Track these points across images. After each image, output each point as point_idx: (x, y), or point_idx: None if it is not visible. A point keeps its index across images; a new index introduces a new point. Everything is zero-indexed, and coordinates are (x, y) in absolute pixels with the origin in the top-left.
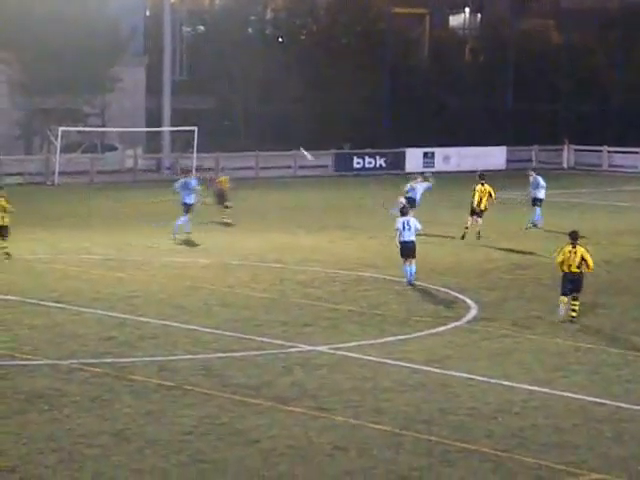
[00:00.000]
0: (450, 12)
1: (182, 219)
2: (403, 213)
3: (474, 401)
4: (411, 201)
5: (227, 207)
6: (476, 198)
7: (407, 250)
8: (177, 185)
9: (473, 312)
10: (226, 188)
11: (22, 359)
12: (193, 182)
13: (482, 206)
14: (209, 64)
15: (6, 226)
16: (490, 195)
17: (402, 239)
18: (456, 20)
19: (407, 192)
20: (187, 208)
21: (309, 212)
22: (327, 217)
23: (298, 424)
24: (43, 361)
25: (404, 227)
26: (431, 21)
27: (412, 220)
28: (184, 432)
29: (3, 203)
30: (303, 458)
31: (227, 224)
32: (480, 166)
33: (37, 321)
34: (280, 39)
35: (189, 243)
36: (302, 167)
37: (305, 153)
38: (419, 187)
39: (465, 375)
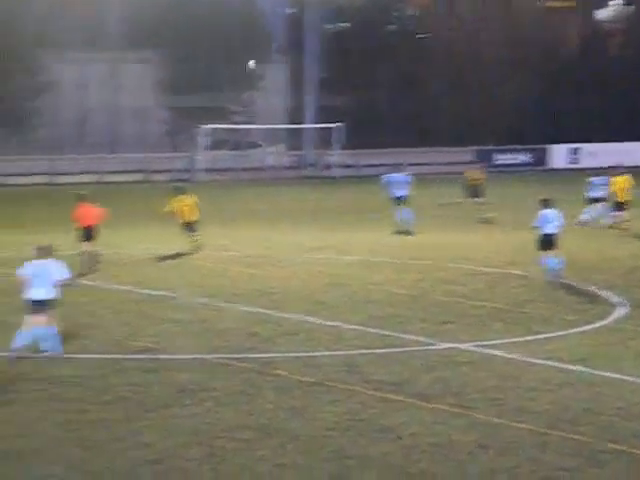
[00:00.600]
0: (597, 5)
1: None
2: (546, 206)
3: (621, 401)
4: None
5: (479, 202)
6: (616, 190)
7: (547, 243)
8: (387, 179)
9: (621, 310)
10: (479, 183)
11: (168, 353)
12: (402, 177)
13: (624, 199)
14: (352, 61)
15: (195, 221)
16: (629, 186)
17: (543, 231)
18: (602, 13)
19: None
20: (398, 201)
21: (458, 208)
22: (474, 213)
23: (440, 421)
24: (189, 355)
25: (547, 220)
26: (580, 15)
27: (555, 213)
28: (327, 428)
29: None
30: (445, 456)
31: (487, 220)
32: (626, 162)
33: (184, 316)
34: (421, 35)
35: (332, 239)
36: (441, 164)
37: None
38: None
39: (612, 375)
